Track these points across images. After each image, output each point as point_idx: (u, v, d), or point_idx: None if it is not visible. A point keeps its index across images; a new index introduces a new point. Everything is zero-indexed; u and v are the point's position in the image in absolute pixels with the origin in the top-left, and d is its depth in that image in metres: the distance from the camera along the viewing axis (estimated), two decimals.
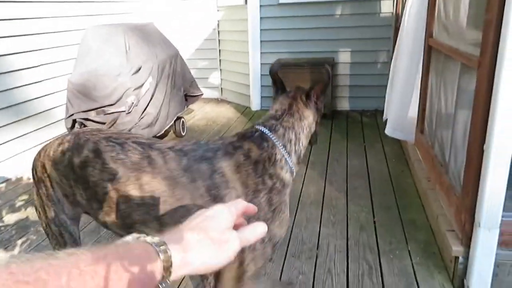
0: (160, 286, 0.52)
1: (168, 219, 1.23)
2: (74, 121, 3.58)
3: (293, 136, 1.37)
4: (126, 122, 3.44)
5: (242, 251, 0.75)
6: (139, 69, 3.51)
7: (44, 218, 1.46)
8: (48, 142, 1.44)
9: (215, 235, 0.59)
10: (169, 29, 5.73)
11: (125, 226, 1.30)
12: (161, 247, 0.53)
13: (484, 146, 1.74)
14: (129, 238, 0.55)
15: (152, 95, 3.59)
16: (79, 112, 3.47)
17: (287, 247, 2.34)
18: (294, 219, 2.63)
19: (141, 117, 3.49)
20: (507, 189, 1.75)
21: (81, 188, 1.33)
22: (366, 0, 4.78)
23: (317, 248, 2.32)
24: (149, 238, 0.54)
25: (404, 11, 3.30)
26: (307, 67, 4.69)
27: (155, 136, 3.73)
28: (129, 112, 3.41)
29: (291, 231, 2.49)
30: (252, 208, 0.70)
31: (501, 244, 1.84)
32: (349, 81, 5.08)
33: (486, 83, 1.72)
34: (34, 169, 1.44)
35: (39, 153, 1.44)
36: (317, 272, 2.12)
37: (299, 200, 2.89)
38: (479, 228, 1.80)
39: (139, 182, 1.24)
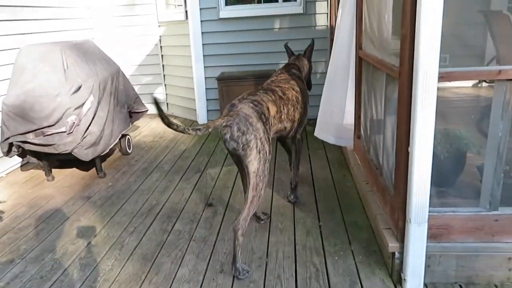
0: None
1: None
2: (11, 145, 3.43)
3: (302, 67, 3.15)
4: (67, 142, 3.35)
5: None
6: (79, 88, 3.44)
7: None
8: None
9: None
10: (109, 46, 5.65)
11: None
12: None
13: (409, 149, 1.91)
14: None
15: (95, 114, 3.52)
16: (16, 135, 3.33)
17: None
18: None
19: (84, 136, 3.41)
20: (432, 186, 1.92)
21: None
22: (302, 14, 5.00)
23: (267, 256, 2.39)
24: None
25: (336, 24, 3.52)
26: (251, 80, 4.81)
27: (99, 156, 3.66)
28: (71, 132, 3.33)
29: None
30: None
31: (430, 237, 2.01)
32: None
33: (407, 91, 1.90)
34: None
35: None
36: (267, 279, 2.19)
37: None
38: (410, 224, 1.96)
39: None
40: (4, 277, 2.32)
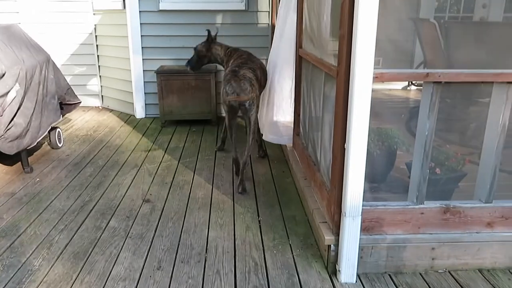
0: None
1: None
2: None
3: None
4: None
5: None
6: (3, 75, 3.16)
7: None
8: None
9: None
10: (38, 32, 5.26)
11: None
12: None
13: (345, 145, 1.99)
14: None
15: (20, 104, 3.26)
16: None
17: (176, 253, 2.35)
18: (183, 225, 2.65)
19: (7, 128, 3.14)
20: (365, 181, 2.02)
21: None
22: (244, 11, 5.01)
23: (206, 252, 2.38)
24: None
25: (276, 23, 3.58)
26: (190, 74, 4.74)
27: (25, 149, 3.40)
28: None
29: (180, 238, 2.51)
30: None
31: (363, 230, 2.12)
32: None
33: (344, 90, 1.97)
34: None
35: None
36: (206, 275, 2.17)
37: (187, 206, 2.91)
38: (345, 218, 2.04)
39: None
40: None
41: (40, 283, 2.09)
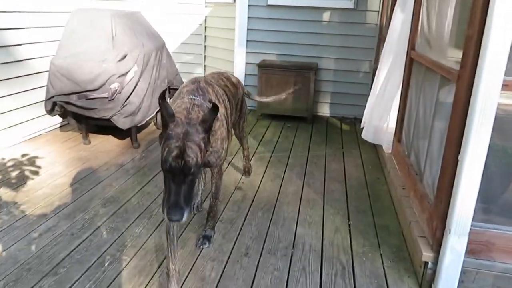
0: None
1: None
2: (54, 104, 3.51)
3: None
4: (108, 108, 3.40)
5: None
6: (125, 56, 3.47)
7: None
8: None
9: None
10: (156, 20, 5.69)
11: None
12: None
13: (459, 156, 1.82)
14: None
15: (136, 84, 3.56)
16: (60, 95, 3.40)
17: (263, 243, 2.37)
18: (272, 217, 2.67)
19: (124, 105, 3.45)
20: (477, 201, 1.83)
21: None
22: (352, 9, 4.88)
23: (293, 247, 2.36)
24: None
25: (391, 23, 3.40)
26: (291, 70, 4.75)
27: (136, 126, 3.70)
28: (112, 99, 3.37)
29: (268, 229, 2.53)
30: None
31: (469, 252, 1.93)
32: (331, 88, 5.17)
33: (464, 96, 1.80)
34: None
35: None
36: (291, 269, 2.16)
37: (276, 199, 2.93)
38: (449, 235, 1.88)
39: None
40: (37, 229, 2.39)
41: (139, 249, 2.26)
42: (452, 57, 2.18)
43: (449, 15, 2.29)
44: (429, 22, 2.67)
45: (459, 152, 1.83)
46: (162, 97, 1.64)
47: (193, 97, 1.92)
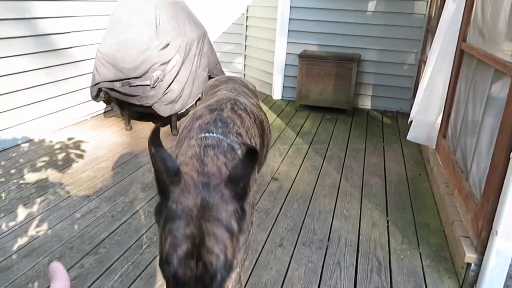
0: None
1: None
2: (100, 90, 3.63)
3: None
4: (149, 96, 3.48)
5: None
6: (167, 45, 3.53)
7: None
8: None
9: None
10: (198, 9, 5.73)
11: None
12: None
13: (511, 155, 1.71)
14: None
15: (177, 73, 3.61)
16: (105, 82, 3.51)
17: (298, 235, 2.35)
18: (307, 209, 2.64)
19: (165, 93, 3.52)
20: None
21: None
22: None
23: (328, 240, 2.33)
24: None
25: (442, 14, 3.24)
26: (333, 61, 4.66)
27: (176, 114, 3.77)
28: (154, 87, 3.44)
29: (303, 220, 2.51)
30: None
31: None
32: (374, 80, 5.02)
33: None
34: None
35: None
36: (326, 263, 2.13)
37: (313, 191, 2.89)
38: (496, 237, 1.78)
39: None
40: (80, 209, 2.49)
41: None
42: (508, 50, 2.05)
43: (507, 6, 2.14)
44: (484, 12, 2.52)
45: (511, 150, 1.73)
46: (152, 141, 0.87)
47: (205, 134, 1.20)
